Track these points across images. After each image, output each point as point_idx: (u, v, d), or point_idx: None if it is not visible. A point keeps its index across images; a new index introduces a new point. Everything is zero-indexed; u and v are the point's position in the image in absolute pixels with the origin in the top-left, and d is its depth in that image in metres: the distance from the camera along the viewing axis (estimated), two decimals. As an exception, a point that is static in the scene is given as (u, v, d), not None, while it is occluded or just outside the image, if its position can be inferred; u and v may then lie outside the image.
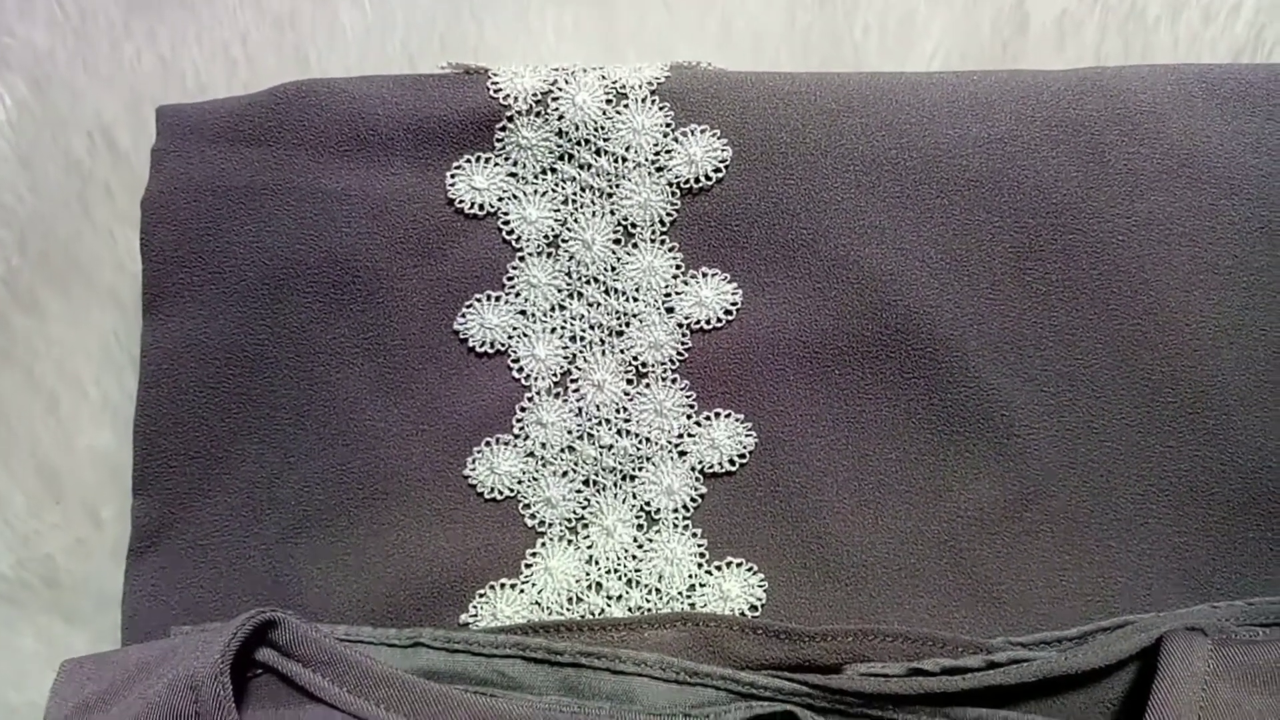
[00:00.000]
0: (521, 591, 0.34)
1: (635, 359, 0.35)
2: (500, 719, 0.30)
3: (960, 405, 0.34)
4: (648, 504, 0.35)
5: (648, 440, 0.35)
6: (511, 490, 0.35)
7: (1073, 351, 0.35)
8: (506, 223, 0.36)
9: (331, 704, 0.31)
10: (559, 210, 0.36)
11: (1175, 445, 0.35)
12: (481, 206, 0.36)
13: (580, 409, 0.35)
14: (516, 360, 0.35)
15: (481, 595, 0.34)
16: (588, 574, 0.34)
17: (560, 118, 0.35)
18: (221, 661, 0.30)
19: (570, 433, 0.35)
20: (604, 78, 0.35)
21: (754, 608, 0.33)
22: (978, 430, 0.34)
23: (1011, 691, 0.31)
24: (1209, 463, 0.34)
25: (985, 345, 0.35)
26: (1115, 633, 0.32)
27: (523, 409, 0.35)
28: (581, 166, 0.35)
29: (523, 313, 0.35)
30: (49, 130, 0.39)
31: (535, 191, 0.36)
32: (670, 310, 0.35)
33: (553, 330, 0.35)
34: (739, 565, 0.34)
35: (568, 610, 0.34)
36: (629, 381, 0.35)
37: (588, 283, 0.35)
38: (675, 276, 0.35)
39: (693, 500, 0.35)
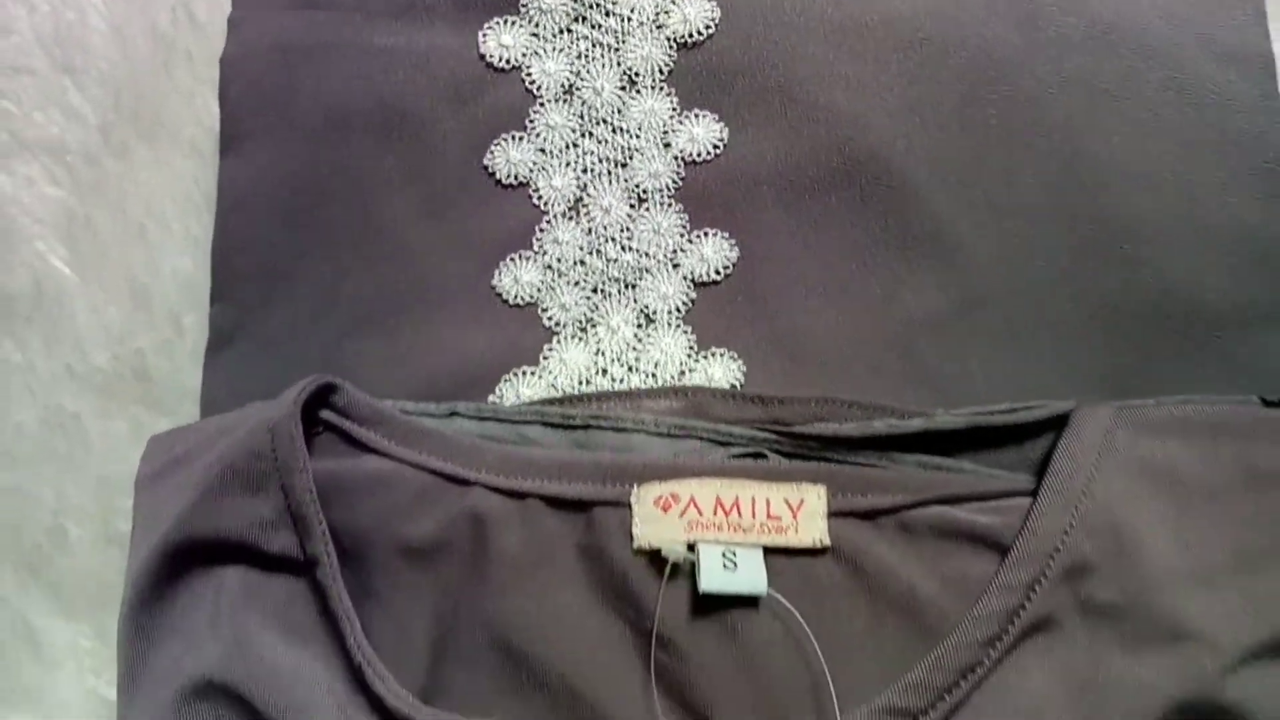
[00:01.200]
0: (540, 377, 0.40)
1: (637, 187, 0.41)
2: (522, 459, 0.36)
3: (911, 226, 0.40)
4: (646, 307, 0.41)
5: (647, 255, 0.41)
6: (531, 297, 0.41)
7: (1010, 188, 0.41)
8: (529, 74, 0.42)
9: (383, 453, 0.37)
10: (573, 64, 0.42)
11: (1097, 269, 0.40)
12: (508, 61, 0.42)
13: (590, 229, 0.41)
14: (536, 190, 0.42)
15: (506, 380, 0.40)
16: (596, 363, 0.40)
17: (575, -14, 0.42)
18: (294, 406, 0.36)
19: (581, 249, 0.41)
20: (612, -46, 0.42)
21: (734, 387, 0.40)
22: (926, 248, 0.40)
23: (947, 444, 0.37)
24: (1127, 287, 0.40)
25: (933, 178, 0.41)
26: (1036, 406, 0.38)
27: (541, 230, 0.42)
28: (593, 26, 0.42)
29: (542, 150, 0.42)
30: (137, 6, 0.46)
31: (553, 48, 0.42)
32: (667, 146, 0.41)
33: (567, 164, 0.42)
34: (722, 354, 0.40)
35: (579, 391, 0.40)
36: (631, 206, 0.41)
37: (597, 124, 0.42)
38: (671, 117, 0.42)
39: (684, 304, 0.41)
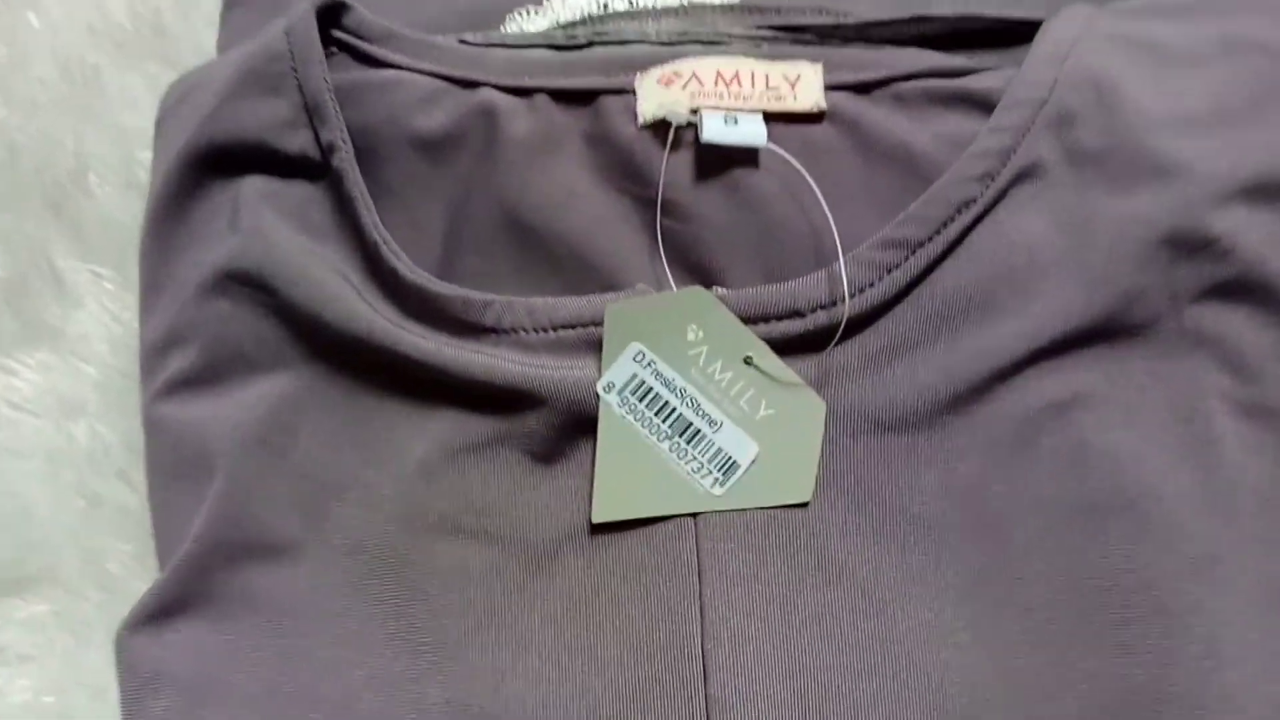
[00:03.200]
0: (544, 15, 0.42)
1: None
2: (528, 60, 0.38)
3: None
4: (646, -50, 0.42)
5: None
6: (536, -50, 0.43)
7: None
8: None
9: (395, 65, 0.38)
10: None
11: None
12: None
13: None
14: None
15: (511, 18, 0.42)
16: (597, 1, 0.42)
17: None
18: (309, 8, 0.37)
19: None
20: None
21: (733, 10, 0.41)
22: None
23: (938, 47, 0.38)
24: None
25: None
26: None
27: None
28: None
29: None
30: None
31: None
32: None
33: None
34: (721, -13, 0.41)
35: (582, 22, 0.41)
36: None
37: None
38: None
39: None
